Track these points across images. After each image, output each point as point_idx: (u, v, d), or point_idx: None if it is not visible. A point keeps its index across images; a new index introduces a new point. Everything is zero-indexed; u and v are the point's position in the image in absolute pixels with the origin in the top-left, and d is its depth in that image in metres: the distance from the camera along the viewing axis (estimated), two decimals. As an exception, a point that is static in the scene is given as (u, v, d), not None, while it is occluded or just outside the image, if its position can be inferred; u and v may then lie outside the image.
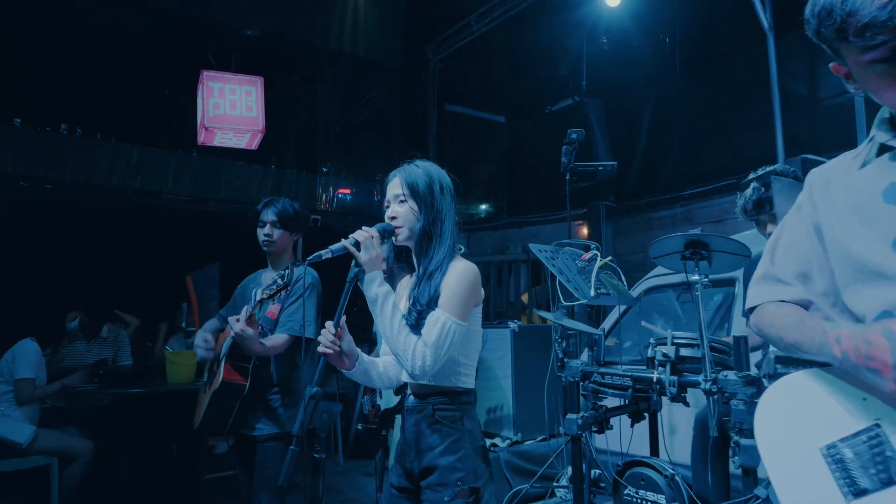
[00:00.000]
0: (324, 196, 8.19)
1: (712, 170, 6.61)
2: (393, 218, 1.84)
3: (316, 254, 1.71)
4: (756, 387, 1.84)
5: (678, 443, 3.34)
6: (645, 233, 7.39)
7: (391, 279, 2.03)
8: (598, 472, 2.89)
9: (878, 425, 1.08)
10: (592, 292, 2.96)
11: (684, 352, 1.99)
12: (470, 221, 9.09)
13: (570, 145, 3.37)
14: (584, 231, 8.07)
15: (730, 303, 3.72)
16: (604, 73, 6.62)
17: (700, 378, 1.94)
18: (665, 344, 2.03)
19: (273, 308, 2.78)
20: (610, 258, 3.18)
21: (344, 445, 5.50)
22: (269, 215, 2.84)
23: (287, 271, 2.39)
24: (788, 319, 1.24)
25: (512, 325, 3.90)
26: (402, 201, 1.85)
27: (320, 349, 1.70)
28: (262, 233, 2.86)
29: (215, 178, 7.10)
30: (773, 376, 1.91)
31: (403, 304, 1.83)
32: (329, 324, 1.72)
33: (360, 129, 8.43)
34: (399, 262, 1.99)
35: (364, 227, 1.77)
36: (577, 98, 6.23)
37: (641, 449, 2.79)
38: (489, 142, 9.19)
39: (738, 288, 3.47)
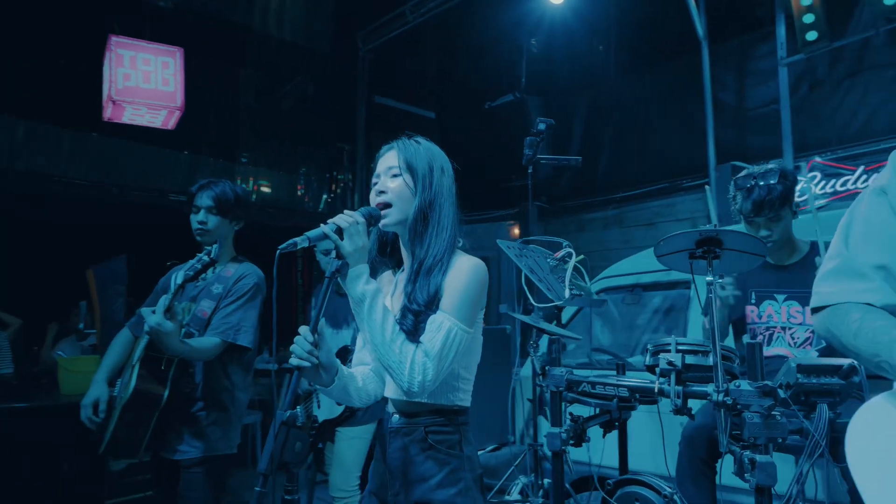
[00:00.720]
0: (243, 187, 7.56)
1: (645, 173, 6.70)
2: (382, 192, 1.52)
3: (290, 241, 1.36)
4: (773, 397, 1.68)
5: (644, 452, 3.22)
6: (576, 234, 7.40)
7: (371, 275, 1.71)
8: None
9: None
10: (567, 293, 2.76)
11: (689, 359, 1.82)
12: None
13: (538, 136, 3.16)
14: (516, 231, 7.98)
15: (684, 305, 3.66)
16: (544, 71, 6.53)
17: (710, 388, 1.76)
18: (668, 351, 1.85)
19: (206, 307, 2.36)
20: (582, 257, 3.00)
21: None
22: (204, 199, 2.42)
23: (215, 247, 2.00)
24: (870, 322, 1.06)
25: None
26: (395, 175, 1.53)
27: (294, 361, 1.36)
28: (195, 220, 2.43)
29: (118, 161, 6.33)
30: (793, 386, 1.77)
31: (390, 305, 1.52)
32: (304, 329, 1.38)
33: (284, 117, 7.88)
34: (382, 255, 1.67)
35: (346, 212, 1.44)
36: (517, 95, 6.09)
37: (611, 461, 2.61)
38: (428, 136, 8.91)
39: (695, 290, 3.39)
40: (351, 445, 3.17)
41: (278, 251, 1.36)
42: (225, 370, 2.40)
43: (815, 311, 1.20)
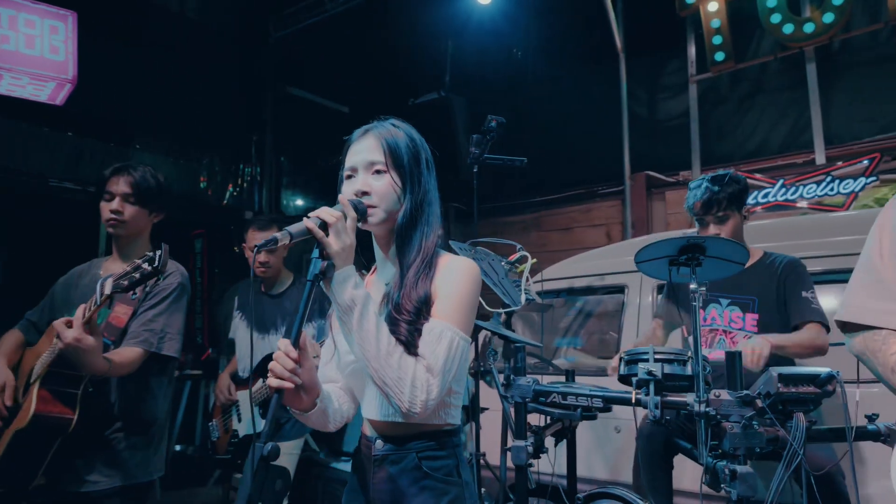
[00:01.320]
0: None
1: (562, 179, 6.83)
2: (364, 193, 1.32)
3: (271, 237, 1.14)
4: (752, 407, 1.67)
5: (591, 459, 3.20)
6: (494, 237, 7.40)
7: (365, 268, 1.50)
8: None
9: None
10: (524, 298, 2.66)
11: (667, 368, 1.77)
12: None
13: (487, 134, 3.04)
14: (433, 232, 7.87)
15: (616, 309, 3.70)
16: (468, 71, 6.47)
17: (690, 398, 1.72)
18: (646, 360, 1.79)
19: (120, 312, 2.01)
20: (535, 261, 2.92)
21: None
22: (120, 185, 2.07)
23: (159, 254, 1.69)
24: None
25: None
26: (378, 171, 1.34)
27: (273, 382, 1.13)
28: (107, 208, 2.07)
29: (-13, 139, 5.49)
30: (773, 395, 1.77)
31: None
32: (284, 343, 1.15)
33: (186, 101, 7.25)
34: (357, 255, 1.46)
35: (327, 208, 1.23)
36: (441, 93, 5.98)
37: (561, 469, 2.56)
38: (335, 131, 8.54)
39: (630, 296, 3.44)
40: (279, 463, 2.89)
41: (256, 249, 1.14)
42: (145, 384, 2.07)
43: (848, 325, 1.15)
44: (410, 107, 6.14)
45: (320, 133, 8.58)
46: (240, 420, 2.96)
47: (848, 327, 1.16)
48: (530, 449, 2.07)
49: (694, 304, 1.72)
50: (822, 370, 1.67)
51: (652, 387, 1.77)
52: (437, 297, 1.27)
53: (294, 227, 1.18)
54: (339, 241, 1.19)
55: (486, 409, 4.01)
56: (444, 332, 1.23)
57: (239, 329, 3.17)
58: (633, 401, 1.81)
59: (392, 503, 1.28)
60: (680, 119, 6.23)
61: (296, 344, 1.16)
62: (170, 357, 2.06)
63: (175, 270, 2.11)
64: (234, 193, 7.85)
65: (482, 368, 3.86)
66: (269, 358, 2.90)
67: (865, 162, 4.19)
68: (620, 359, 1.91)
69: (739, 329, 2.41)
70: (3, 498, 1.85)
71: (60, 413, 1.75)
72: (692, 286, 1.73)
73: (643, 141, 6.28)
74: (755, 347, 2.01)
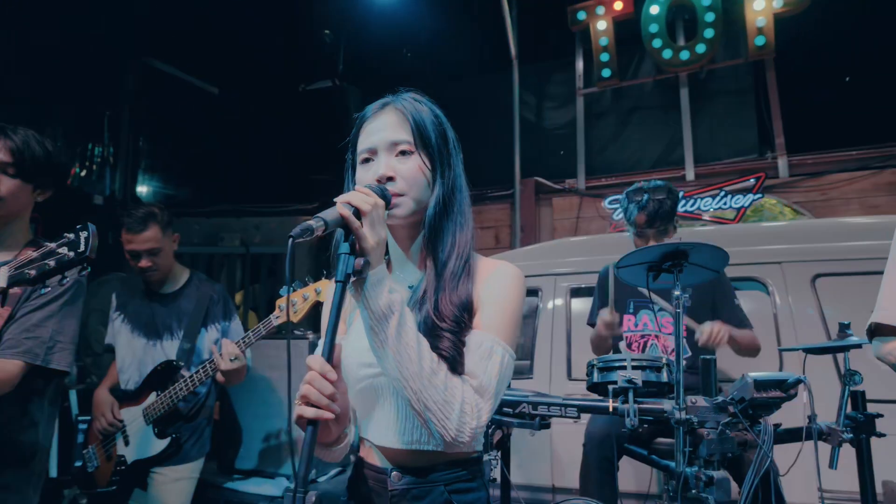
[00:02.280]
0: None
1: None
2: (389, 179, 1.11)
3: (304, 225, 0.90)
4: (727, 413, 1.70)
5: (524, 464, 3.15)
6: (382, 235, 7.18)
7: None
8: None
9: None
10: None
11: (644, 376, 1.75)
12: (175, 204, 7.56)
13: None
14: (314, 228, 7.45)
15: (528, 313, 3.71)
16: (364, 63, 6.20)
17: (669, 406, 1.71)
18: (623, 367, 1.75)
19: (-3, 314, 1.57)
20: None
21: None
22: None
23: (85, 237, 1.32)
24: None
25: (311, 335, 3.15)
26: (404, 153, 1.14)
27: (309, 412, 0.90)
28: None
29: None
30: (747, 401, 1.81)
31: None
32: (318, 361, 0.92)
33: (24, 65, 6.16)
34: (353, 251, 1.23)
35: (359, 193, 1.02)
36: (336, 82, 5.66)
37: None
38: (202, 113, 7.79)
39: (544, 299, 3.46)
40: (175, 489, 2.48)
41: (292, 239, 0.89)
42: (23, 406, 1.63)
43: (885, 328, 1.17)
44: (300, 93, 5.75)
45: (186, 113, 7.76)
46: (127, 443, 2.50)
47: (883, 331, 1.18)
48: (494, 463, 1.95)
49: (678, 310, 1.71)
50: (790, 375, 1.74)
51: (631, 395, 1.74)
52: (481, 306, 1.10)
53: (328, 215, 0.95)
54: (375, 235, 0.99)
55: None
56: (495, 349, 1.06)
57: (121, 334, 2.68)
58: (611, 409, 1.76)
59: (419, 549, 1.09)
60: (567, 129, 6.50)
61: (330, 358, 0.93)
62: (59, 371, 1.66)
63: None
64: (83, 175, 6.84)
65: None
66: (166, 368, 2.49)
67: (752, 181, 4.65)
68: (593, 364, 1.87)
69: (670, 334, 2.49)
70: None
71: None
72: (676, 292, 1.73)
73: (533, 147, 6.46)
74: (716, 327, 2.08)
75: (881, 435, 2.03)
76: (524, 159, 6.38)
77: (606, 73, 6.12)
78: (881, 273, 3.11)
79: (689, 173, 5.69)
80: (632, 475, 2.57)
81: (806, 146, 5.35)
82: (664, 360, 1.80)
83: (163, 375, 2.51)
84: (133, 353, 2.61)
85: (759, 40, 5.47)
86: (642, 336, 2.54)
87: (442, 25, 6.39)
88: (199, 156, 7.87)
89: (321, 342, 0.97)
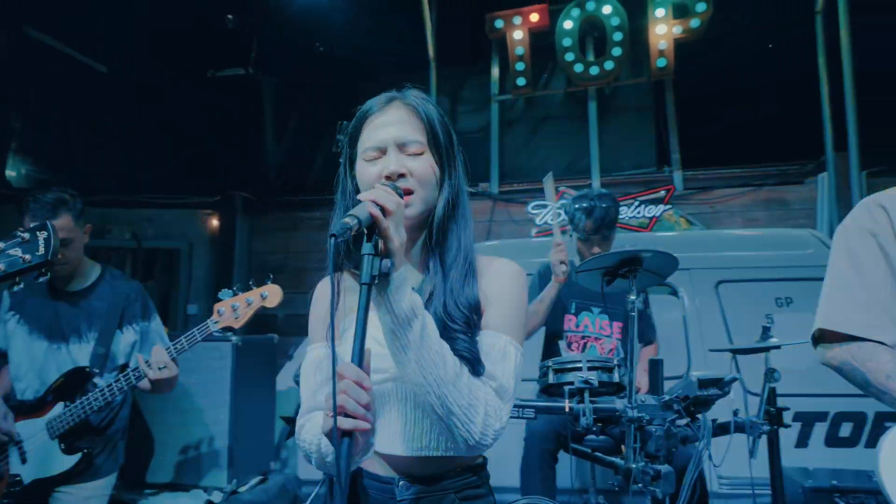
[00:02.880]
0: None
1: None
2: (401, 176, 1.07)
3: (343, 224, 0.85)
4: (672, 411, 1.81)
5: None
6: (289, 232, 6.93)
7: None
8: None
9: None
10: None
11: (599, 377, 1.82)
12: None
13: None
14: (214, 223, 7.04)
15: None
16: (279, 53, 5.95)
17: (622, 405, 1.79)
18: (579, 369, 1.81)
19: None
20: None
21: None
22: None
23: (45, 237, 1.16)
24: None
25: (234, 337, 2.96)
26: (415, 153, 1.11)
27: (346, 424, 0.84)
28: None
29: None
30: (690, 399, 1.93)
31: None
32: (353, 369, 0.87)
33: None
34: (348, 254, 1.17)
35: (384, 191, 0.97)
36: (249, 70, 5.37)
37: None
38: (86, 92, 7.08)
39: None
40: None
41: (333, 238, 0.84)
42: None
43: (827, 335, 1.29)
44: (209, 78, 5.41)
45: (69, 92, 7.02)
46: (24, 461, 2.21)
47: (827, 338, 1.31)
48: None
49: (632, 313, 1.80)
50: (725, 374, 1.89)
51: (587, 395, 1.81)
52: (488, 305, 1.10)
53: (360, 213, 0.91)
54: (399, 235, 0.96)
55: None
56: (508, 349, 1.06)
57: (16, 336, 2.37)
58: (567, 409, 1.82)
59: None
60: (480, 133, 6.63)
61: (360, 362, 0.88)
62: None
63: None
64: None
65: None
66: (76, 375, 2.24)
67: (663, 192, 4.99)
68: (547, 366, 1.92)
69: (607, 336, 2.62)
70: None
71: None
72: (631, 297, 1.82)
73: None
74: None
75: (787, 425, 2.26)
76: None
77: (521, 81, 6.31)
78: (775, 280, 3.45)
79: (595, 182, 6.01)
80: (564, 472, 2.66)
81: (698, 162, 5.84)
82: (616, 361, 1.88)
83: (71, 384, 2.26)
84: (32, 359, 2.32)
85: (661, 62, 5.89)
86: (583, 337, 2.65)
87: (360, 21, 6.28)
88: (83, 139, 7.14)
89: (344, 348, 0.91)
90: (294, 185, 6.81)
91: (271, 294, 2.11)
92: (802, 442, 3.11)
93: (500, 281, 1.13)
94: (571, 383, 1.80)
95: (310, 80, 6.21)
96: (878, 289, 1.29)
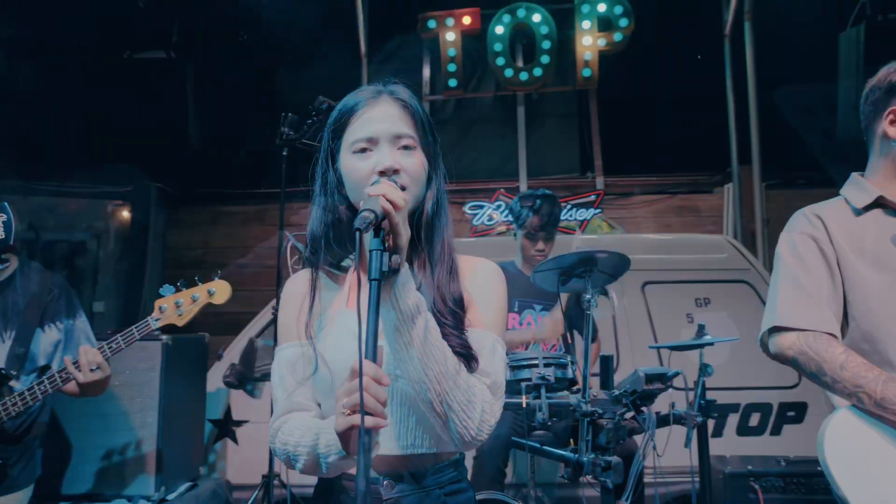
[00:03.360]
0: None
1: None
2: (395, 172, 1.07)
3: (365, 217, 0.87)
4: (621, 404, 1.91)
5: None
6: (209, 227, 6.60)
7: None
8: None
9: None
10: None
11: (554, 373, 1.88)
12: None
13: (311, 115, 2.71)
14: (125, 214, 6.59)
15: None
16: (202, 38, 5.66)
17: (575, 400, 1.86)
18: (535, 365, 1.87)
19: None
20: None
21: None
22: None
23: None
24: (854, 358, 1.34)
25: (163, 336, 2.78)
26: (407, 147, 1.10)
27: (370, 422, 0.82)
28: None
29: None
30: (638, 393, 2.02)
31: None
32: (372, 367, 0.86)
33: None
34: (337, 247, 1.14)
35: (392, 187, 0.97)
36: (171, 54, 5.06)
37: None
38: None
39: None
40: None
41: (359, 232, 0.83)
42: None
43: (780, 328, 1.41)
44: (125, 60, 5.06)
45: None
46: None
47: (781, 332, 1.42)
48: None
49: (588, 311, 1.87)
50: (667, 369, 2.01)
51: (543, 391, 1.87)
52: (473, 303, 1.11)
53: (374, 206, 0.90)
54: (406, 231, 0.95)
55: (246, 421, 3.61)
56: (496, 346, 1.09)
57: None
58: (524, 404, 1.87)
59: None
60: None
61: (374, 357, 0.87)
62: None
63: None
64: None
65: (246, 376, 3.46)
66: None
67: (593, 196, 5.19)
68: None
69: (549, 333, 2.71)
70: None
71: None
72: (586, 296, 1.89)
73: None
74: None
75: (714, 417, 2.44)
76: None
77: (452, 82, 6.38)
78: (694, 282, 3.70)
79: (523, 185, 6.18)
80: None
81: (618, 169, 6.16)
82: (569, 358, 1.96)
83: (-17, 385, 2.05)
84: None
85: (586, 72, 6.15)
86: (527, 335, 2.72)
87: (293, 15, 6.11)
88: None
89: (358, 346, 0.89)
90: (215, 177, 6.50)
91: (219, 290, 2.01)
92: (718, 432, 3.36)
93: (485, 281, 1.15)
94: (529, 380, 1.86)
95: (235, 68, 5.96)
96: (823, 287, 1.42)
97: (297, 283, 1.18)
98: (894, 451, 1.29)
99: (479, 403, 1.00)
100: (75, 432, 2.69)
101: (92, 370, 1.96)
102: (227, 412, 3.49)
